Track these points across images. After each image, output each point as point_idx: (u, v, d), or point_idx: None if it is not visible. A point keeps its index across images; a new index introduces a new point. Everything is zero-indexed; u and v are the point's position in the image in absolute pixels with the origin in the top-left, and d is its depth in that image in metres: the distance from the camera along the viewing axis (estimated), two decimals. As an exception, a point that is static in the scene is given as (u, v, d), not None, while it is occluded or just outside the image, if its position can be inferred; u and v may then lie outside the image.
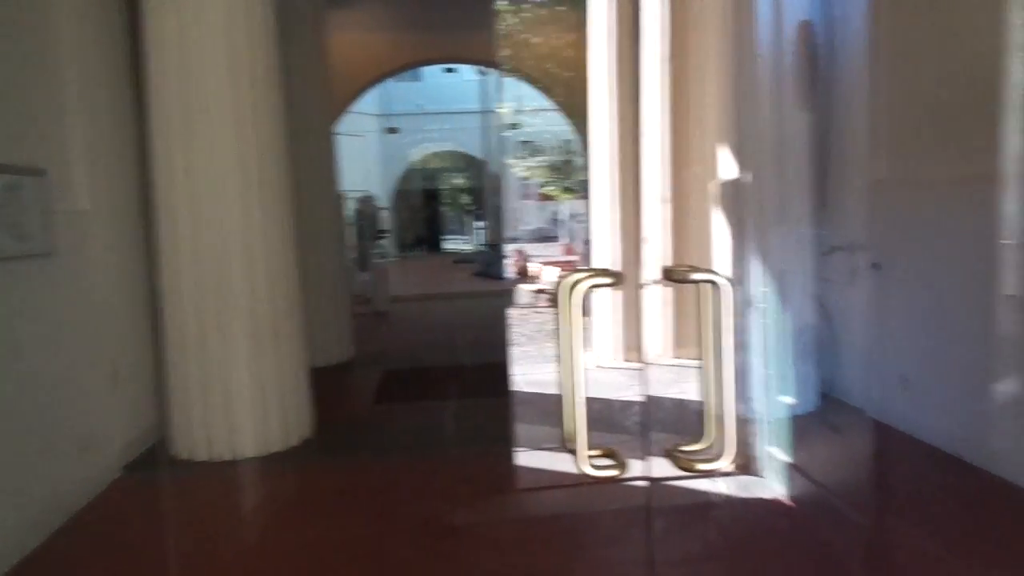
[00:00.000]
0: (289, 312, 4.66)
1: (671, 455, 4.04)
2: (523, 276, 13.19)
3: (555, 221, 19.04)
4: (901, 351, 4.40)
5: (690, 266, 5.22)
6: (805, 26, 4.57)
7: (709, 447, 3.99)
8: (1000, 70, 3.44)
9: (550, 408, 4.07)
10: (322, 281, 6.69)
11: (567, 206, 18.43)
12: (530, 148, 20.12)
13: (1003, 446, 3.54)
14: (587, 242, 6.76)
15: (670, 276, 5.24)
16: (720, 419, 3.95)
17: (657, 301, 6.07)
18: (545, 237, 18.17)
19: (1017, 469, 3.49)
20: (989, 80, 3.51)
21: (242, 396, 4.42)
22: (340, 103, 10.34)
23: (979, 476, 3.65)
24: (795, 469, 3.78)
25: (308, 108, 6.48)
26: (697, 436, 4.04)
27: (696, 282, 4.17)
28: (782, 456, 3.85)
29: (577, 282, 3.48)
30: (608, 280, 3.80)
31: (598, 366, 6.27)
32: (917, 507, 3.48)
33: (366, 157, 20.62)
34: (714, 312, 3.81)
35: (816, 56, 4.70)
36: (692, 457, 3.98)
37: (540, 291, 10.99)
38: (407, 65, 13.11)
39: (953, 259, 3.94)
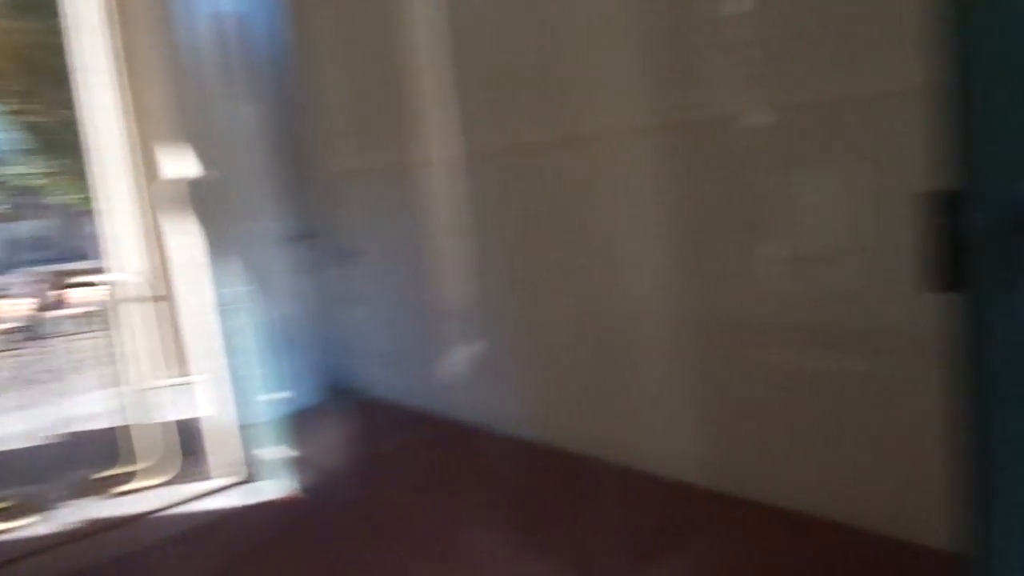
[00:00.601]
0: None
1: (101, 487, 3.80)
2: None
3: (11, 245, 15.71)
4: (382, 329, 4.69)
5: (90, 269, 4.89)
6: (238, 20, 4.53)
7: (157, 463, 3.81)
8: (411, 69, 3.86)
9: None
10: None
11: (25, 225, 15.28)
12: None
13: (458, 398, 4.06)
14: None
15: (67, 285, 4.88)
16: (159, 431, 3.78)
17: (140, 322, 5.51)
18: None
19: (463, 410, 4.11)
20: (408, 77, 3.91)
21: None
22: None
23: (446, 424, 4.19)
24: (298, 462, 3.77)
25: None
26: (146, 455, 3.85)
27: (92, 284, 3.94)
28: (284, 453, 3.80)
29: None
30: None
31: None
32: (401, 464, 3.81)
33: None
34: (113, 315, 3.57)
35: (254, 49, 4.70)
36: (132, 481, 3.78)
37: (8, 330, 9.29)
38: None
39: (404, 239, 4.31)
